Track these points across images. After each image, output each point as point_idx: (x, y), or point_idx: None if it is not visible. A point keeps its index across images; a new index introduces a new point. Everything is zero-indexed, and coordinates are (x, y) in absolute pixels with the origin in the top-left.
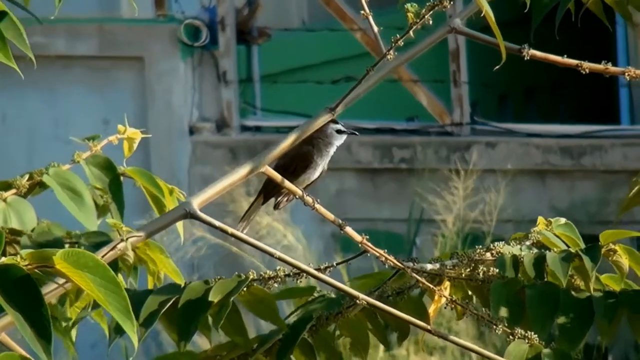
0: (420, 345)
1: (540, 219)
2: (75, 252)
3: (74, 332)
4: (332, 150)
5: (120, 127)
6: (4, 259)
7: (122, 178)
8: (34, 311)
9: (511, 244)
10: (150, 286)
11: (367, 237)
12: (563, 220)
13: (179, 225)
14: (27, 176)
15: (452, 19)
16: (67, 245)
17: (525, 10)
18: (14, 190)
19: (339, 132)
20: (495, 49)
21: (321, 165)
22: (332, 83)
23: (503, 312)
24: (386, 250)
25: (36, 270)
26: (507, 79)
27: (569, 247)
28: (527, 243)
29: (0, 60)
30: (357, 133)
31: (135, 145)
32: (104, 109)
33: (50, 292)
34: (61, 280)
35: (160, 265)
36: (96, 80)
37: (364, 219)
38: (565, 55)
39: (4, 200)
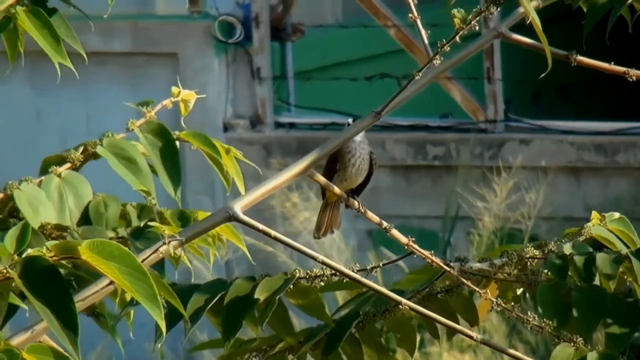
0: (481, 357)
1: (595, 214)
2: (101, 242)
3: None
4: (352, 151)
5: (174, 89)
6: (29, 250)
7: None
8: (60, 302)
9: (563, 241)
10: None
11: (414, 239)
12: (617, 215)
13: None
14: (81, 148)
15: (499, 24)
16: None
17: (583, 22)
18: (68, 165)
19: None
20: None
21: (352, 165)
22: (366, 80)
23: (550, 315)
24: (432, 252)
25: (62, 262)
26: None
27: (624, 242)
28: (580, 239)
29: (58, 61)
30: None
31: (190, 106)
32: None
33: (92, 294)
34: (103, 283)
35: (219, 229)
36: (130, 77)
37: (398, 215)
38: (613, 62)
39: (59, 175)
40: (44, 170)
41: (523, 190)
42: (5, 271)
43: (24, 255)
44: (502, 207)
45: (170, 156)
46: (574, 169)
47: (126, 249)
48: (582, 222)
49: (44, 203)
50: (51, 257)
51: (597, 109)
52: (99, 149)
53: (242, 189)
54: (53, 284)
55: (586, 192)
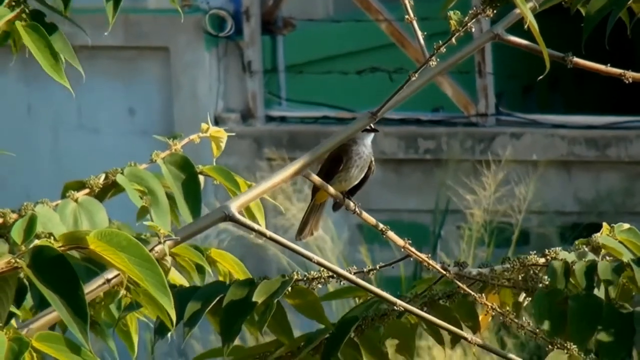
0: (471, 355)
1: (605, 225)
2: (109, 231)
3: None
4: (361, 148)
5: (203, 125)
6: (37, 240)
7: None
8: (70, 291)
9: (568, 250)
10: None
11: (410, 241)
12: (626, 225)
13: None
14: (102, 176)
15: (495, 25)
16: None
17: (582, 24)
18: (86, 190)
19: (364, 130)
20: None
21: (356, 166)
22: (357, 74)
23: (545, 323)
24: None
25: (69, 252)
26: (532, 70)
27: (633, 253)
28: (587, 249)
29: (55, 79)
30: (377, 130)
31: (223, 145)
32: (129, 100)
33: (94, 289)
34: (108, 276)
35: (229, 266)
36: (121, 70)
37: (388, 209)
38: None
39: (75, 200)
40: (64, 195)
41: (514, 184)
42: (13, 261)
43: (31, 245)
44: (493, 200)
45: (192, 190)
46: (565, 162)
47: (134, 239)
48: (573, 216)
49: (57, 226)
50: (59, 247)
51: (588, 103)
52: (119, 178)
53: (262, 222)
54: (62, 273)
55: (577, 185)
